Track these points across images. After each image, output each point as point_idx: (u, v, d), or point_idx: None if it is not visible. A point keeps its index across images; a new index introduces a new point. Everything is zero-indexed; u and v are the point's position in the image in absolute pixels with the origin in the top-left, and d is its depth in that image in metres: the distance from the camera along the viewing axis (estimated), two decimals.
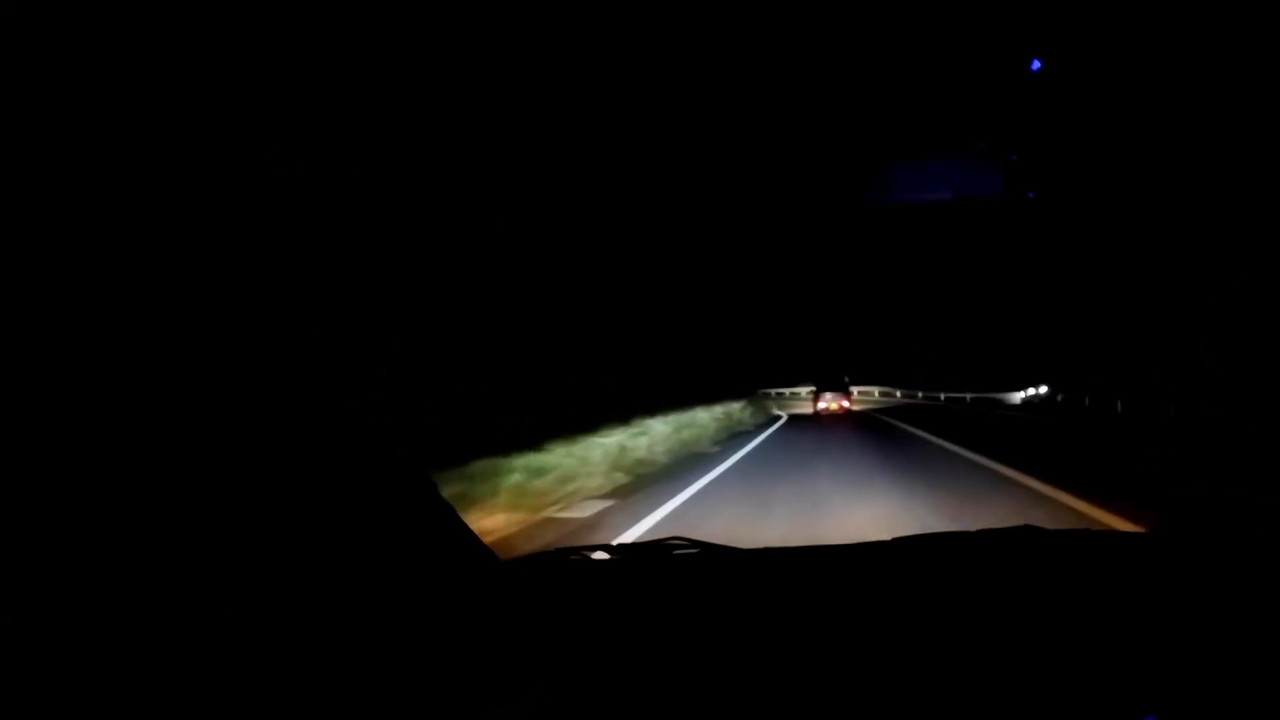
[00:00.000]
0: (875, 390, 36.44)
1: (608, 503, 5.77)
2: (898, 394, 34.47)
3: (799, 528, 4.42)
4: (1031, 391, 21.92)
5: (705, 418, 11.60)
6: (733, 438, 11.84)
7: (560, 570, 1.24)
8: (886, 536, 1.30)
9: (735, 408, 14.47)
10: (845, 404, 23.31)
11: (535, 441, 5.90)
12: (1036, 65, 9.39)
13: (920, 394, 31.71)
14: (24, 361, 0.69)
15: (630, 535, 4.49)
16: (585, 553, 1.29)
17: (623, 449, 7.35)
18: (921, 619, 0.92)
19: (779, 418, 18.89)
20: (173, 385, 0.79)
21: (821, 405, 22.72)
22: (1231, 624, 0.87)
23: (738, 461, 8.52)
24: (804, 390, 31.64)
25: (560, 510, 5.46)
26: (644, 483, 6.82)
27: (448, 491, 1.12)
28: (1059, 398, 19.52)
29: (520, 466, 5.38)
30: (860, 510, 4.85)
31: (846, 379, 24.66)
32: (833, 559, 1.29)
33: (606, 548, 1.34)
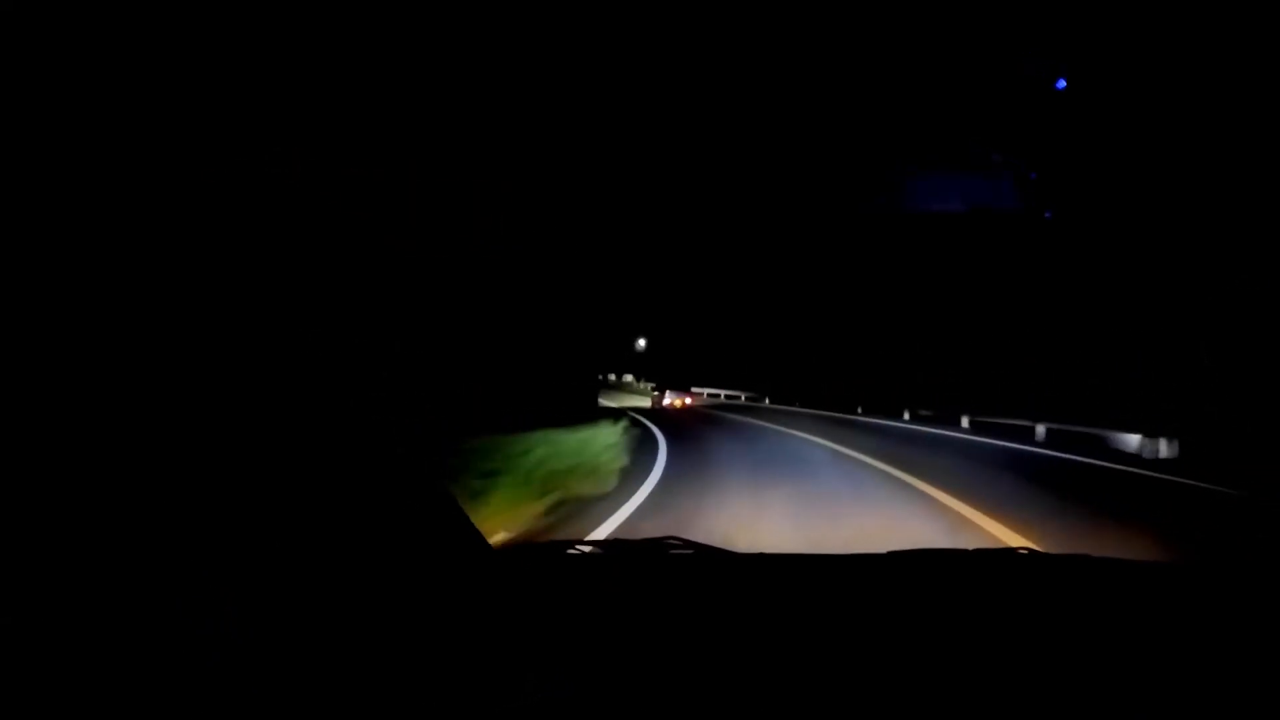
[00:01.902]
0: (705, 391, 32.56)
1: None
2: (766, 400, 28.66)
3: None
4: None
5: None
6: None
7: (554, 563, 1.24)
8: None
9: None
10: (687, 401, 24.75)
11: None
12: (1061, 84, 9.34)
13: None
14: (24, 361, 0.69)
15: None
16: (580, 546, 1.30)
17: None
18: (913, 635, 0.92)
19: None
20: (173, 384, 0.79)
21: (665, 402, 24.20)
22: (1227, 653, 0.87)
23: None
24: (644, 384, 31.99)
25: None
26: None
27: None
28: None
29: None
30: None
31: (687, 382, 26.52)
32: (826, 568, 1.29)
33: (601, 543, 1.35)
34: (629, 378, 25.94)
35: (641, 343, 36.06)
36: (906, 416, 17.24)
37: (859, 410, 20.29)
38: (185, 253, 0.92)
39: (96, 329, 0.76)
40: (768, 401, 28.34)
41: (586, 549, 1.29)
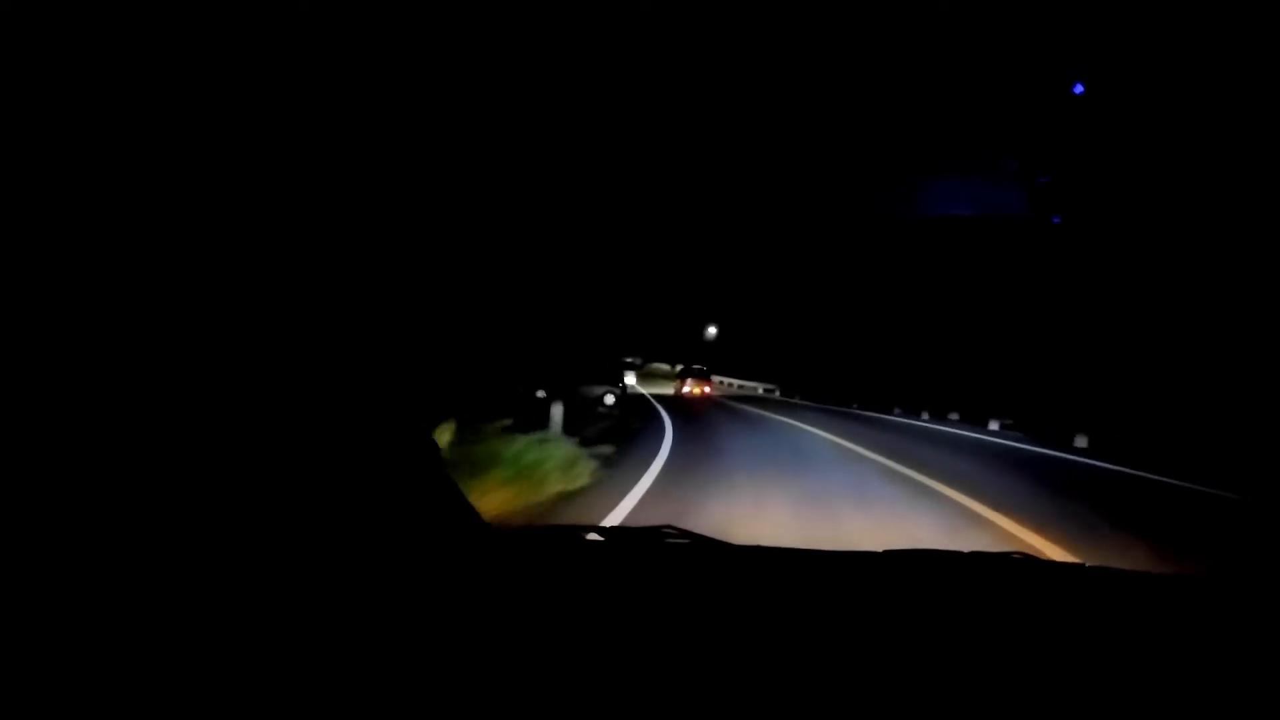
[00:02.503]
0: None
1: None
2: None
3: None
4: None
5: None
6: None
7: (552, 548, 1.25)
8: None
9: None
10: (706, 390, 25.80)
11: None
12: (1079, 89, 9.24)
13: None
14: (25, 361, 0.69)
15: None
16: (578, 532, 1.31)
17: None
18: (901, 634, 0.93)
19: None
20: (172, 378, 0.79)
21: (685, 389, 25.58)
22: (1222, 668, 0.87)
23: None
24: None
25: None
26: None
27: None
28: None
29: None
30: None
31: (707, 369, 27.57)
32: (821, 564, 1.30)
33: (599, 529, 1.35)
34: (696, 368, 28.21)
35: (712, 330, 37.20)
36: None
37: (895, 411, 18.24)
38: (186, 251, 0.92)
39: (97, 327, 0.76)
40: (778, 394, 29.89)
41: (585, 535, 1.30)
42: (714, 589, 1.08)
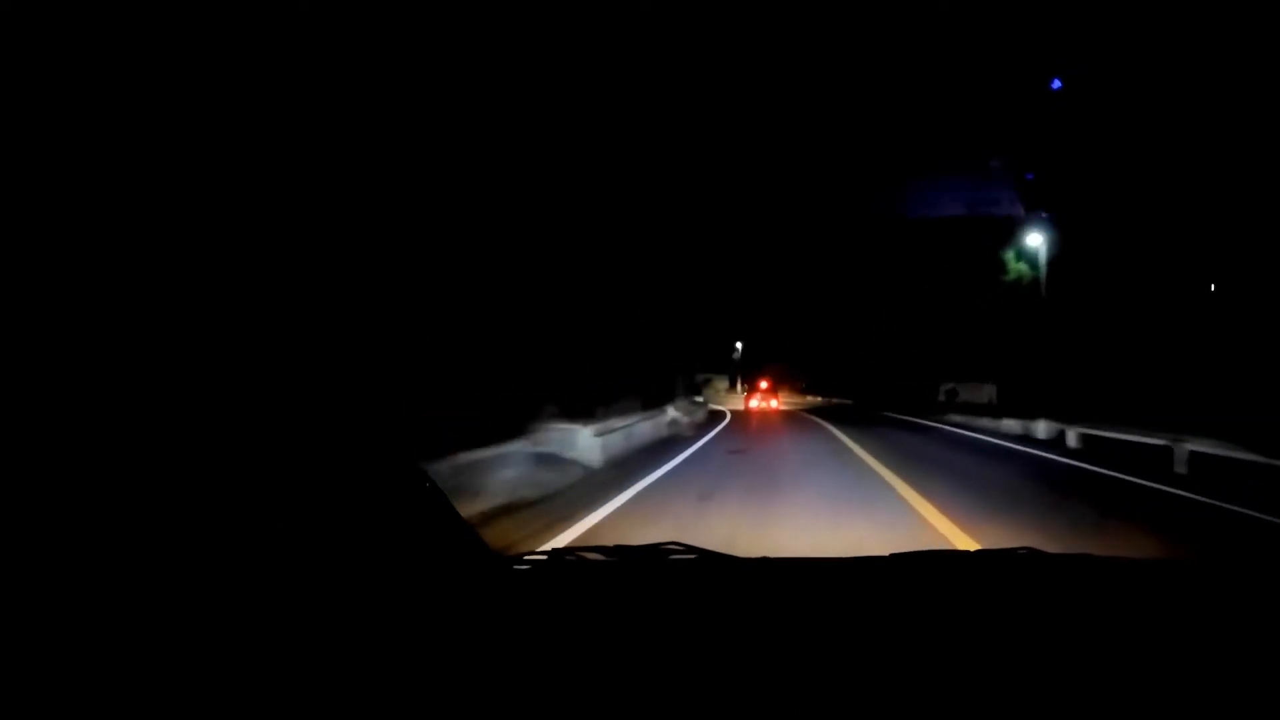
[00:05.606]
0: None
1: None
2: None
3: None
4: None
5: None
6: None
7: (556, 570, 1.24)
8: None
9: None
10: (773, 403, 27.45)
11: None
12: (1057, 84, 9.34)
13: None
14: (25, 361, 0.69)
15: None
16: (582, 553, 1.29)
17: None
18: (916, 638, 0.92)
19: None
20: (175, 388, 0.79)
21: (753, 403, 27.58)
22: (1234, 655, 0.87)
23: None
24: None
25: None
26: None
27: None
28: None
29: None
30: None
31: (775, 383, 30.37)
32: (828, 572, 1.29)
33: (603, 549, 1.33)
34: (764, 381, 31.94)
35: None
36: None
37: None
38: (188, 255, 0.92)
39: (98, 331, 0.75)
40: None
41: (588, 555, 1.29)
42: (724, 604, 1.07)
